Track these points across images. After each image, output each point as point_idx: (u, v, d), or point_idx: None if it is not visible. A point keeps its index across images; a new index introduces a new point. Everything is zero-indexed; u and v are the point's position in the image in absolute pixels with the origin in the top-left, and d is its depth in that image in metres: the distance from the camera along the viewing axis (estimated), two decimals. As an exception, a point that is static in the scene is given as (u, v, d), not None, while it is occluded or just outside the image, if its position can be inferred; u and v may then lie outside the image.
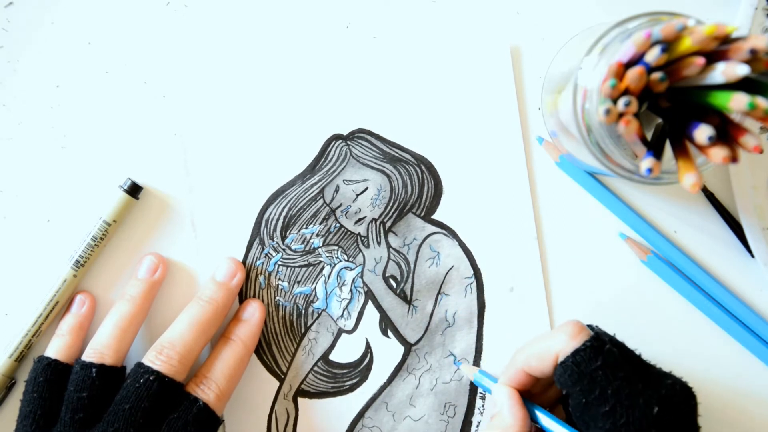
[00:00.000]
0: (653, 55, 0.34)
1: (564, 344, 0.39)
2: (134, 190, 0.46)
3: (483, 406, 0.48)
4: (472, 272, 0.48)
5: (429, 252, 0.48)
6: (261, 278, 0.48)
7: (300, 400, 0.48)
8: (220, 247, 0.48)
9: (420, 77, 0.48)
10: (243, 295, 0.48)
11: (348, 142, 0.48)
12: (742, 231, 0.46)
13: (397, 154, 0.48)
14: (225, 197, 0.48)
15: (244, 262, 0.48)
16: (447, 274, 0.48)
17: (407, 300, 0.48)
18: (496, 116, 0.48)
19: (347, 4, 0.48)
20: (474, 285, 0.48)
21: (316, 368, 0.48)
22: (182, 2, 0.48)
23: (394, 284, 0.48)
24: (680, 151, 0.36)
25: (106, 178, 0.47)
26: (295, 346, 0.48)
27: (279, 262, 0.48)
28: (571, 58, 0.41)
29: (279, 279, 0.48)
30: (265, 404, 0.47)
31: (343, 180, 0.48)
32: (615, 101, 0.35)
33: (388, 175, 0.48)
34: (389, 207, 0.48)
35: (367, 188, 0.48)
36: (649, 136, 0.39)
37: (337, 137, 0.48)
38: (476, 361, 0.48)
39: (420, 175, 0.48)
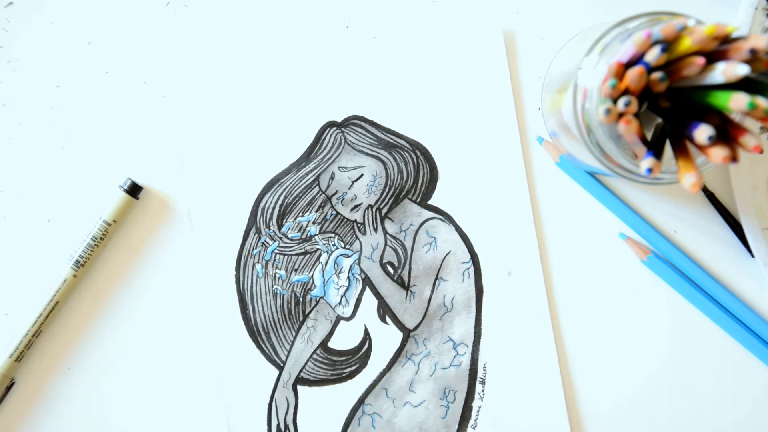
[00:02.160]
0: (653, 55, 0.34)
1: None
2: (134, 190, 0.47)
3: (483, 391, 0.48)
4: (470, 257, 0.48)
5: (426, 237, 0.48)
6: (258, 267, 0.48)
7: (300, 388, 0.48)
8: (216, 237, 0.48)
9: (417, 70, 0.48)
10: (241, 286, 0.48)
11: (342, 129, 0.48)
12: (742, 231, 0.46)
13: (392, 140, 0.48)
14: (221, 187, 0.48)
15: (240, 252, 0.48)
16: (444, 259, 0.48)
17: (405, 286, 0.48)
18: (491, 108, 0.47)
19: (347, 4, 0.48)
20: (471, 270, 0.48)
21: (315, 356, 0.48)
22: (182, 2, 0.48)
23: (392, 270, 0.48)
24: (680, 151, 0.36)
25: (106, 178, 0.47)
26: (294, 335, 0.48)
27: (276, 251, 0.48)
28: (571, 58, 0.41)
29: (276, 267, 0.48)
30: (264, 393, 0.48)
31: (339, 167, 0.48)
32: (615, 101, 0.35)
33: (383, 162, 0.48)
34: (385, 193, 0.48)
35: (362, 175, 0.48)
36: (649, 136, 0.39)
37: (331, 124, 0.48)
38: (475, 345, 0.48)
39: (415, 160, 0.48)
